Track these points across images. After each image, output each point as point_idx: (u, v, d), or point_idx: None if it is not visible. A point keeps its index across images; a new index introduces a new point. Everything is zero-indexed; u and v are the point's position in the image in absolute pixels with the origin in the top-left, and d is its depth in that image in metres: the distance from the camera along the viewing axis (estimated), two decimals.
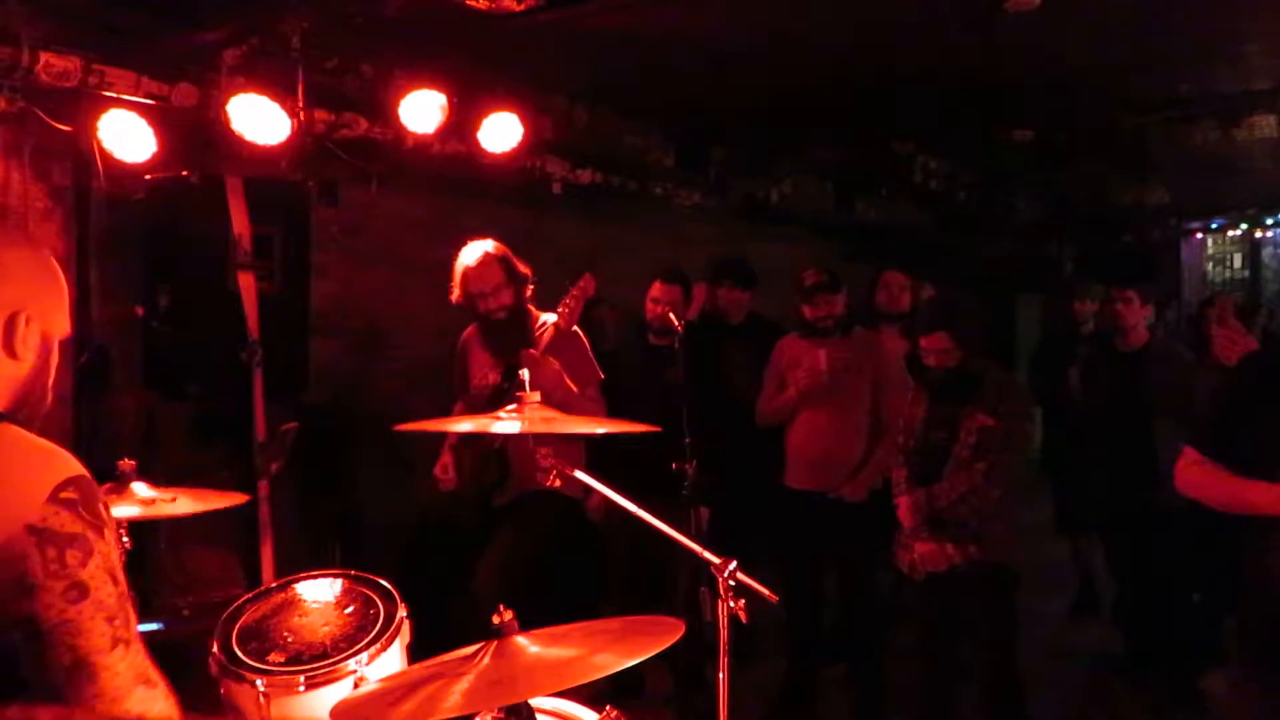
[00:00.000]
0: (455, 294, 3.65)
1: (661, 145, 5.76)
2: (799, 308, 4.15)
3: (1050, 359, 5.49)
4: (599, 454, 3.10)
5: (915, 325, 3.66)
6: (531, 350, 3.43)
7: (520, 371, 2.16)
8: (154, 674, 1.40)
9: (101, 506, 1.37)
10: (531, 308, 3.71)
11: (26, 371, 1.47)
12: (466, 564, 3.54)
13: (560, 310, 3.57)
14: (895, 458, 3.66)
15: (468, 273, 3.59)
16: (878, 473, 3.96)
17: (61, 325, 1.54)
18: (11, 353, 1.45)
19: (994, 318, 8.65)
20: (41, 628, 1.27)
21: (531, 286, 3.69)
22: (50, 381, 1.53)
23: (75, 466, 1.37)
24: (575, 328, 3.71)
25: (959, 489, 3.39)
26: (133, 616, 1.38)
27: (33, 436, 1.42)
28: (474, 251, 3.60)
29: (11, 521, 1.27)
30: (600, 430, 2.03)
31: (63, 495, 1.32)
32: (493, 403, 3.55)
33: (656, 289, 4.20)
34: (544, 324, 3.65)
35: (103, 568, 1.33)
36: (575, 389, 3.51)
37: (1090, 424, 4.69)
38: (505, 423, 2.08)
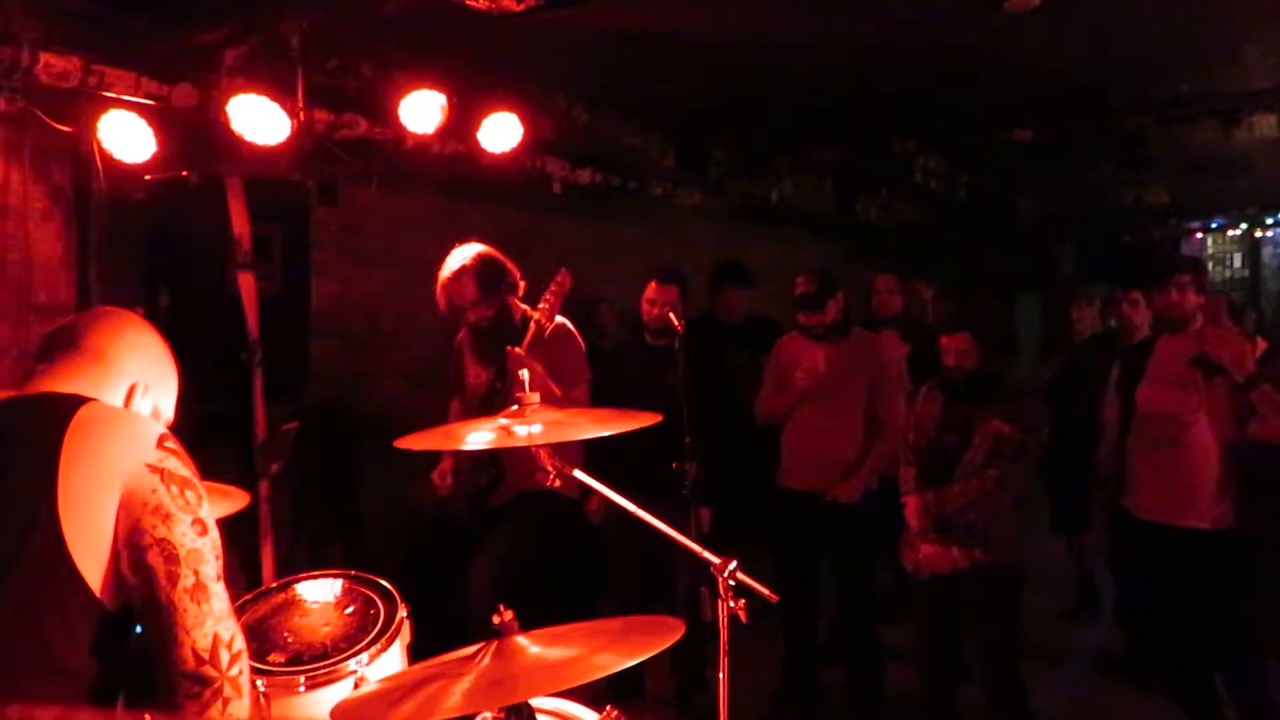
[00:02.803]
0: (440, 304, 3.65)
1: (661, 145, 5.75)
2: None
3: (1052, 358, 5.49)
4: (598, 454, 3.09)
5: (939, 325, 3.64)
6: (516, 349, 3.41)
7: (520, 372, 2.15)
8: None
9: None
10: (525, 308, 3.70)
11: None
12: (463, 565, 3.53)
13: (540, 307, 3.54)
14: (903, 454, 3.65)
15: (444, 286, 3.58)
16: (873, 474, 3.96)
17: (168, 410, 1.80)
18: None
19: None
20: (178, 552, 1.52)
21: (523, 285, 3.68)
22: None
23: (159, 424, 1.64)
24: (570, 327, 3.70)
25: (970, 494, 3.38)
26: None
27: (118, 406, 1.67)
28: (451, 264, 3.57)
29: (134, 461, 1.54)
30: (605, 432, 2.00)
31: (166, 444, 1.59)
32: (486, 402, 3.55)
33: (651, 290, 4.13)
34: (531, 324, 3.64)
35: (209, 510, 1.59)
36: (558, 391, 3.48)
37: (1093, 423, 4.68)
38: (506, 432, 1.99)
